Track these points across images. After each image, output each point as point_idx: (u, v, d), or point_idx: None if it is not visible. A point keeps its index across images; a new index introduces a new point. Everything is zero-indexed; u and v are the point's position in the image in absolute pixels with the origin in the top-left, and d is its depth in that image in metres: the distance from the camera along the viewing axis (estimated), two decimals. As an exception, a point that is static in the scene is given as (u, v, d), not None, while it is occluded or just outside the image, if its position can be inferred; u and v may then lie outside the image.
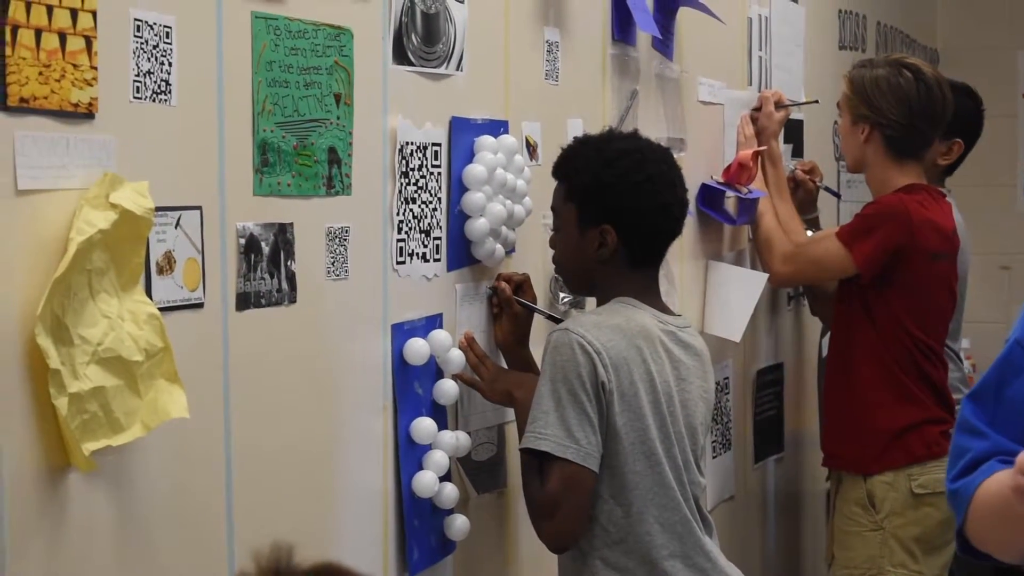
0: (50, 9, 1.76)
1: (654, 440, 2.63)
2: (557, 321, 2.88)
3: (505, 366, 2.87)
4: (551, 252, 2.84)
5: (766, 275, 3.98)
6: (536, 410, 2.59)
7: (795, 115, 4.49)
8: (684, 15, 3.69)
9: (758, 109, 4.12)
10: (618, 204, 2.68)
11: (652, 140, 2.83)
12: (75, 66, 1.80)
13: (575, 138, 2.85)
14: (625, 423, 2.60)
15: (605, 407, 2.58)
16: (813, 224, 4.29)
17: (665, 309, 2.77)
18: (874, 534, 3.81)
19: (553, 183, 2.77)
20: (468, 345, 2.75)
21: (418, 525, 2.62)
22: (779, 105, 4.13)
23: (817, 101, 4.53)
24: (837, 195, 4.84)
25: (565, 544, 2.64)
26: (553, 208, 2.78)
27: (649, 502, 2.63)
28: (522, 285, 2.87)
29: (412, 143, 2.57)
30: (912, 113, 3.81)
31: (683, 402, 2.70)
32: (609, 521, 2.63)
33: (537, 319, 2.91)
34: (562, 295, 3.06)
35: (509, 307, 2.85)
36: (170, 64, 1.97)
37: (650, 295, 2.74)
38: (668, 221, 2.74)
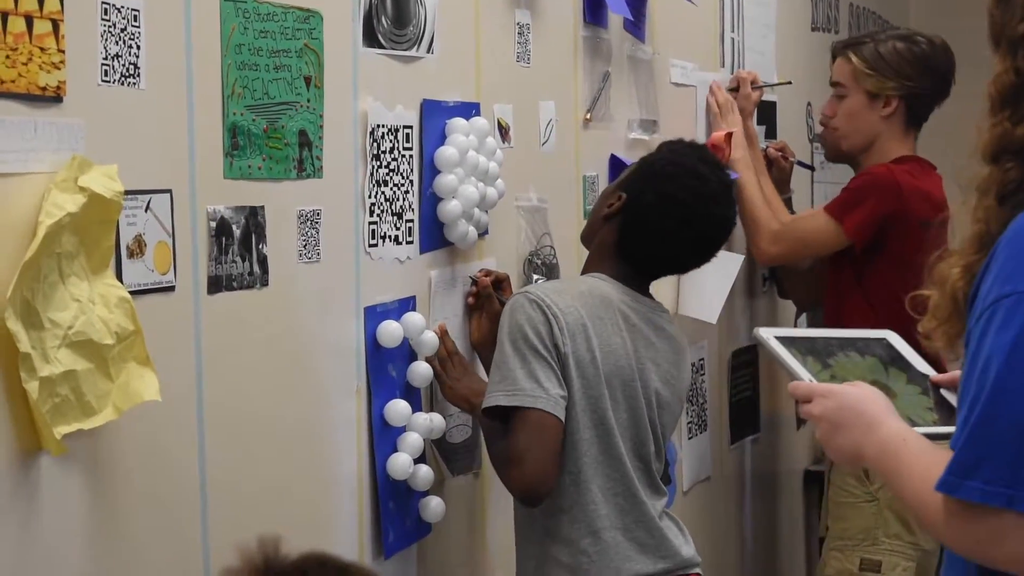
0: (16, -8, 1.76)
1: (607, 409, 2.63)
2: None
3: (480, 364, 2.87)
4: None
5: (742, 257, 3.98)
6: (502, 370, 2.57)
7: (768, 97, 4.50)
8: (656, -3, 3.69)
9: (734, 89, 4.13)
10: (647, 214, 2.73)
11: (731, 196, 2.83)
12: (42, 49, 1.80)
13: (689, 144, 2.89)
14: (578, 388, 2.60)
15: (560, 370, 2.59)
16: (787, 205, 4.30)
17: (645, 293, 2.78)
18: (869, 505, 3.82)
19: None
20: (441, 337, 2.74)
21: (393, 507, 2.62)
22: (753, 85, 4.14)
23: (790, 82, 4.54)
24: (811, 168, 4.86)
25: (537, 493, 2.57)
26: None
27: (595, 471, 2.63)
28: (502, 283, 2.88)
29: (383, 126, 2.57)
30: (937, 78, 3.92)
31: (644, 375, 2.70)
32: (557, 490, 2.61)
33: None
34: (535, 276, 3.07)
35: (488, 302, 2.85)
36: (138, 47, 1.97)
37: (629, 282, 2.75)
38: (665, 260, 2.79)
